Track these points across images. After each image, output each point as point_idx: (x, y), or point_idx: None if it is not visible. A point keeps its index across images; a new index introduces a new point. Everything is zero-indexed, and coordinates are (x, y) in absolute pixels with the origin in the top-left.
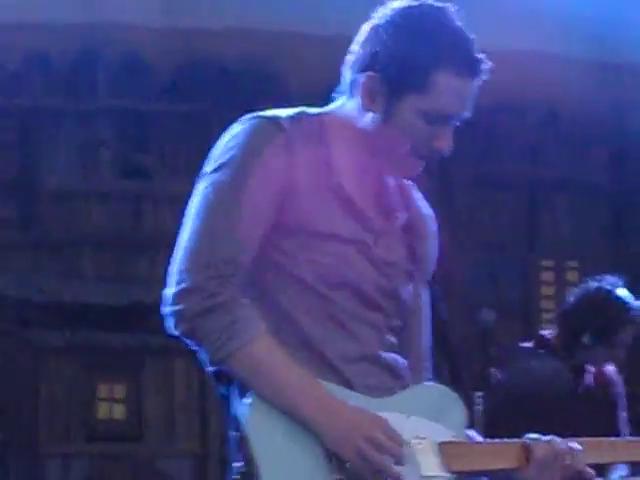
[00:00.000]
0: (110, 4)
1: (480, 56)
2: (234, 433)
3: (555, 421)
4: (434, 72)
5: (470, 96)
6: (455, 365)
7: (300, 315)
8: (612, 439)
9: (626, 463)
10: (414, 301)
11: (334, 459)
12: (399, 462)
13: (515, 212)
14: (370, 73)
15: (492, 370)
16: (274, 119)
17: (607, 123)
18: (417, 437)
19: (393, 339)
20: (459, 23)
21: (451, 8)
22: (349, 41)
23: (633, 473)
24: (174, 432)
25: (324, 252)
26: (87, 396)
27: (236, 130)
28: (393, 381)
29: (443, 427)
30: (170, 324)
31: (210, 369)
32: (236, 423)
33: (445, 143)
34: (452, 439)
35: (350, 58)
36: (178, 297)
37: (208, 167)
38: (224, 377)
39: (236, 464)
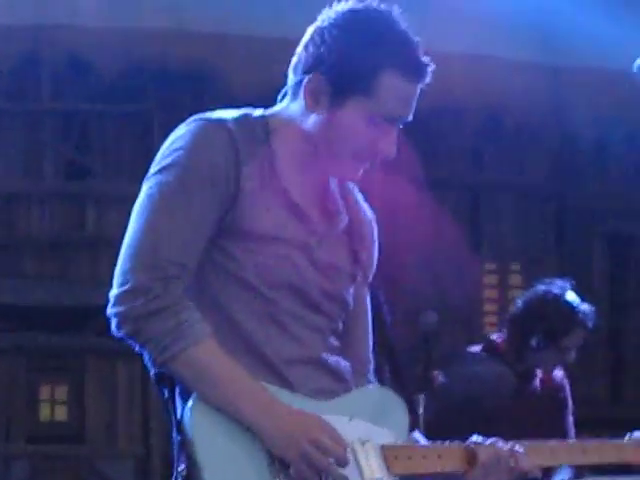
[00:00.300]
0: (52, 6)
1: (425, 59)
2: (177, 436)
3: (498, 425)
4: (380, 74)
5: (415, 99)
6: (397, 368)
7: (244, 318)
8: (554, 442)
9: (569, 466)
10: (357, 304)
11: (277, 462)
12: (342, 465)
13: (457, 215)
14: (314, 75)
15: (435, 373)
16: (219, 121)
17: (548, 126)
18: (360, 440)
19: (336, 342)
20: (404, 26)
21: (396, 11)
22: (293, 42)
23: (576, 476)
24: (116, 433)
25: (267, 254)
26: (29, 397)
27: (181, 131)
28: (336, 384)
29: (386, 430)
30: (114, 325)
31: (153, 371)
32: (179, 426)
33: (389, 146)
34: (395, 442)
35: (294, 60)
36: (122, 298)
37: (153, 168)
38: (167, 379)
39: (179, 466)
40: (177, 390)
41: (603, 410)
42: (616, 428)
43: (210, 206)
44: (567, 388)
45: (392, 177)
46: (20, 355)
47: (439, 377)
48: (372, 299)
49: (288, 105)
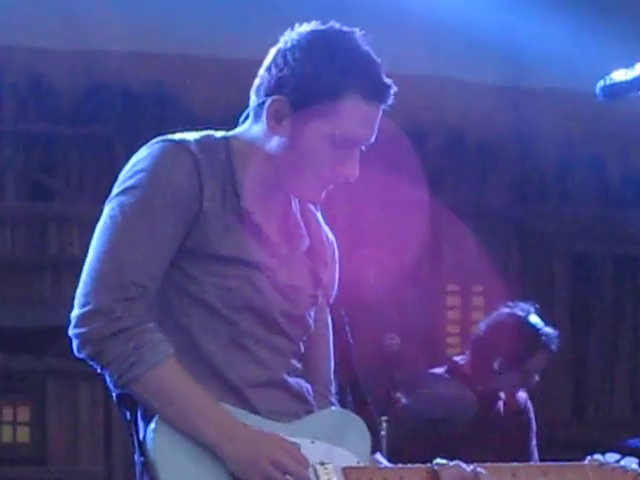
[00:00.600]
0: (13, 28)
1: (388, 81)
2: (139, 457)
3: (460, 447)
4: (342, 96)
5: (377, 121)
6: (359, 390)
7: (205, 339)
8: (515, 464)
9: None
10: (318, 325)
11: None
12: None
13: (419, 236)
14: (277, 96)
15: (397, 395)
16: (181, 143)
17: (510, 148)
18: (321, 462)
19: (297, 364)
20: (366, 47)
21: (358, 33)
22: (257, 64)
23: None
24: (79, 454)
25: (229, 276)
26: None
27: (144, 153)
28: (298, 406)
29: (347, 452)
30: (75, 346)
31: (115, 393)
32: (141, 447)
33: (351, 168)
34: (356, 464)
35: (257, 81)
36: (84, 319)
37: (116, 189)
38: (129, 401)
39: None
40: (139, 412)
41: (566, 432)
42: (580, 449)
43: (172, 228)
44: (531, 411)
45: (355, 198)
46: None
47: (402, 399)
48: (334, 321)
49: (250, 127)
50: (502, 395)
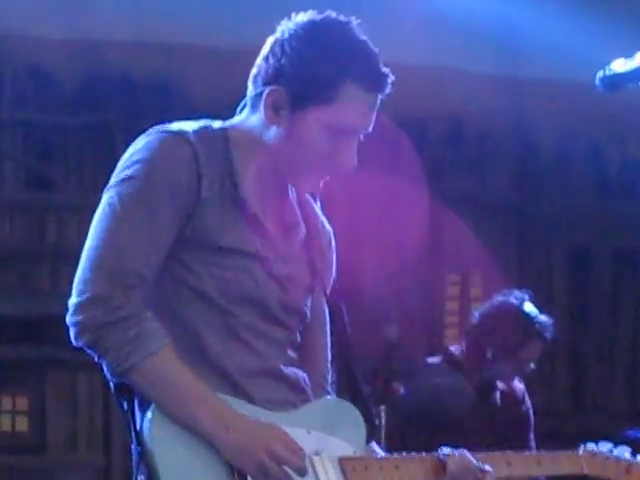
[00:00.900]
0: (12, 17)
1: (385, 70)
2: (137, 446)
3: (457, 436)
4: (339, 85)
5: (374, 110)
6: (355, 379)
7: (202, 329)
8: (510, 453)
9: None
10: (314, 316)
11: (236, 473)
12: (300, 475)
13: (418, 227)
14: (274, 86)
15: (395, 385)
16: (179, 132)
17: (509, 137)
18: (317, 452)
19: (294, 354)
20: (364, 37)
21: (355, 22)
22: (255, 54)
23: None
24: (77, 444)
25: (226, 266)
26: None
27: (142, 143)
28: (294, 395)
29: (343, 442)
30: (73, 334)
31: (112, 381)
32: (138, 437)
33: (349, 158)
34: (352, 454)
35: (254, 71)
36: (81, 307)
37: (114, 179)
38: (126, 390)
39: (139, 477)
40: (136, 401)
41: (565, 421)
42: (578, 440)
43: (170, 218)
44: (528, 401)
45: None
46: None
47: (400, 389)
48: (332, 310)
49: (248, 117)
50: (499, 385)
